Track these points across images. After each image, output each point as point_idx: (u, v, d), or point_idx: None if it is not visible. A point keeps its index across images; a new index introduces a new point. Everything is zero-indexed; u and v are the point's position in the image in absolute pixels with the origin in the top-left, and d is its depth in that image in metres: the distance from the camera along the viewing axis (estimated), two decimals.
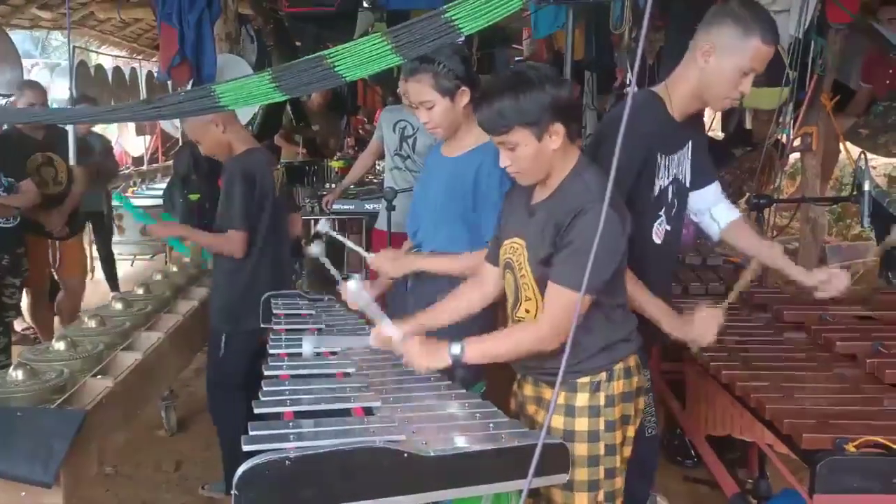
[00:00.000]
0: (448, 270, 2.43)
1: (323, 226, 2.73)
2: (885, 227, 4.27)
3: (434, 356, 1.98)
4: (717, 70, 2.08)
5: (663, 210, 2.27)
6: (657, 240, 2.26)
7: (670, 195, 2.28)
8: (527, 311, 2.02)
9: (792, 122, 4.81)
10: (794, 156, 5.54)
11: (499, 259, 2.11)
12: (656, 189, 2.22)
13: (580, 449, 1.95)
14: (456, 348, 1.94)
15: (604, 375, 1.97)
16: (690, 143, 2.32)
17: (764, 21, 2.06)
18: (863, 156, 3.31)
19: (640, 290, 2.17)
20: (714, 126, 8.10)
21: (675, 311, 2.24)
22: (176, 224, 3.63)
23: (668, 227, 2.30)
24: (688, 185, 2.35)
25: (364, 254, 2.62)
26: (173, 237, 3.35)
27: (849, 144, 5.10)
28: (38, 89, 4.75)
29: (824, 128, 4.91)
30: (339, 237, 2.75)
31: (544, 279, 1.93)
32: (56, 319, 5.05)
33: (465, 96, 2.45)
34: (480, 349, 1.97)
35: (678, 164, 2.29)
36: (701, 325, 2.17)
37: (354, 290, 2.20)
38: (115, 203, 5.99)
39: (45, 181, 4.59)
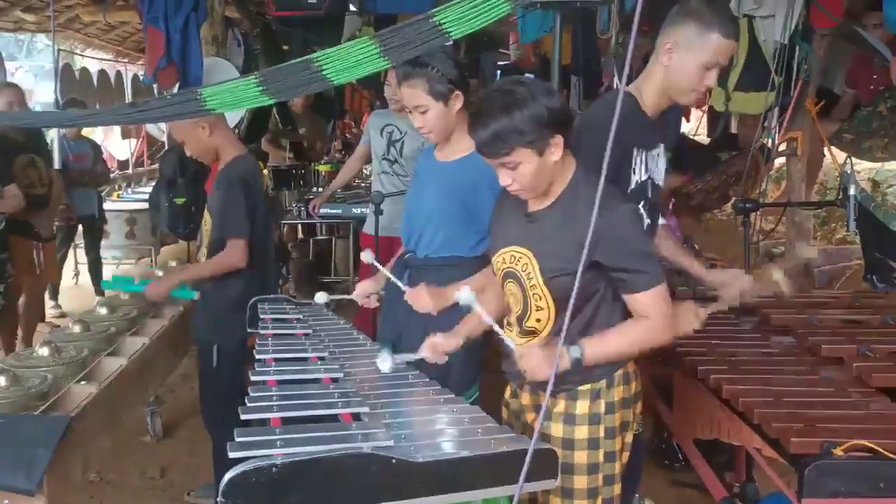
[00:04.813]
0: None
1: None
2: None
3: (554, 362, 1.86)
4: (679, 66, 2.18)
5: (641, 204, 2.28)
6: None
7: (648, 190, 2.31)
8: (538, 320, 1.97)
9: (777, 126, 4.84)
10: (780, 160, 5.57)
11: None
12: (633, 182, 2.25)
13: (580, 457, 1.93)
14: (575, 351, 1.87)
15: (604, 383, 1.95)
16: (661, 146, 2.37)
17: (722, 16, 2.16)
18: (848, 160, 3.33)
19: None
20: (700, 130, 8.15)
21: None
22: (169, 275, 3.35)
23: (648, 221, 2.32)
24: (660, 184, 2.39)
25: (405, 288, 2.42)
26: (175, 288, 3.17)
27: (833, 149, 5.14)
28: (16, 89, 4.71)
29: (809, 132, 4.94)
30: (401, 286, 2.48)
31: (560, 289, 1.88)
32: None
33: (458, 100, 2.46)
34: (599, 350, 1.90)
35: (654, 162, 2.32)
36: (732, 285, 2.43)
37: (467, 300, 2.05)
38: None
39: (31, 182, 4.57)
